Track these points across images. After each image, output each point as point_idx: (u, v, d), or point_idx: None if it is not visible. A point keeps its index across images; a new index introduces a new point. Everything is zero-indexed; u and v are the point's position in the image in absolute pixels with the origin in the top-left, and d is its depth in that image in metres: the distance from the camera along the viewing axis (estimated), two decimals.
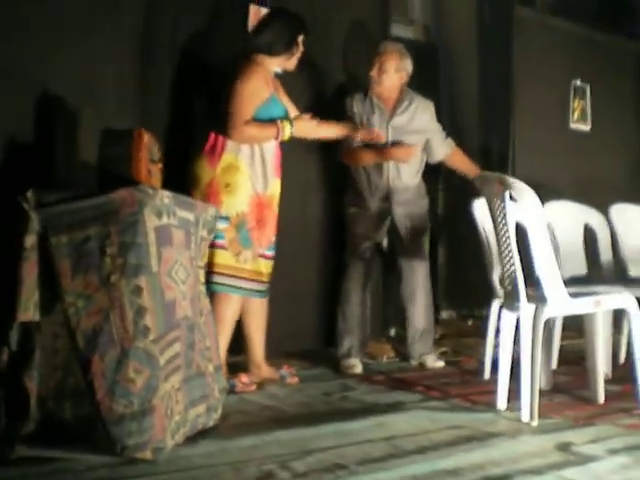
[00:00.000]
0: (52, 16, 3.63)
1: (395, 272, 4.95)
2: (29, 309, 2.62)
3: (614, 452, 2.81)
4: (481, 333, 6.06)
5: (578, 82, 6.20)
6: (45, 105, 3.45)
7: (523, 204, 3.27)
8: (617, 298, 3.33)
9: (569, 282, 3.50)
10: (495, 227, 3.51)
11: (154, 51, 4.25)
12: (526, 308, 3.30)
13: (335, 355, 4.74)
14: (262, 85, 3.94)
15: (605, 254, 4.97)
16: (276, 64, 4.09)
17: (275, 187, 4.07)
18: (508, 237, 3.36)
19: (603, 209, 4.93)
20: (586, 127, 6.28)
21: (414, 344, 4.76)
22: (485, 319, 4.57)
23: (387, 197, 4.63)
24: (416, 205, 4.72)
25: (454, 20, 8.29)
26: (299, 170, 4.74)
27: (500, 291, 4.40)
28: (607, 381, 3.87)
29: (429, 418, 3.37)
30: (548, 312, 3.27)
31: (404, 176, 4.64)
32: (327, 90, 5.03)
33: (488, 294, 4.34)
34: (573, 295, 3.30)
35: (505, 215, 3.32)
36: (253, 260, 3.96)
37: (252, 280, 4.00)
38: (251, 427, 3.18)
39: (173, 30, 4.35)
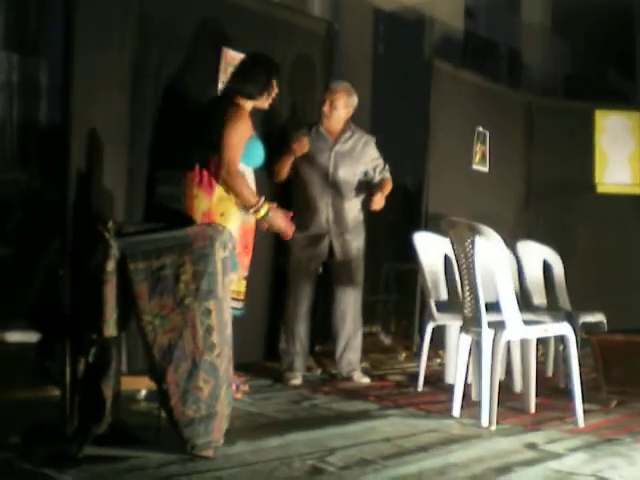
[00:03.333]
0: None
1: (327, 291, 5.52)
2: (110, 326, 3.02)
3: (572, 450, 3.51)
4: (377, 349, 6.80)
5: (480, 128, 7.00)
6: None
7: (489, 246, 3.94)
8: (560, 326, 4.06)
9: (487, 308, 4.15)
10: (458, 263, 4.17)
11: (142, 86, 4.63)
12: (487, 332, 3.97)
13: (270, 367, 5.26)
14: (247, 128, 4.36)
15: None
16: (253, 105, 4.54)
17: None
18: (473, 273, 4.01)
19: None
20: (485, 169, 7.09)
21: (342, 360, 5.29)
22: (421, 338, 5.25)
23: (327, 221, 5.18)
24: (354, 232, 5.28)
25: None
26: None
27: (437, 315, 5.10)
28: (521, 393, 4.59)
29: (404, 424, 3.97)
30: (507, 336, 3.96)
31: (345, 200, 5.19)
32: (273, 124, 5.50)
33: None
34: (525, 323, 4.00)
35: (473, 255, 3.98)
36: (238, 282, 4.42)
37: (233, 299, 4.46)
38: (262, 431, 3.66)
39: (158, 67, 4.75)
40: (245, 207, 4.24)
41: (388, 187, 5.28)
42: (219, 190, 4.25)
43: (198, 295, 3.06)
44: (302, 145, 5.05)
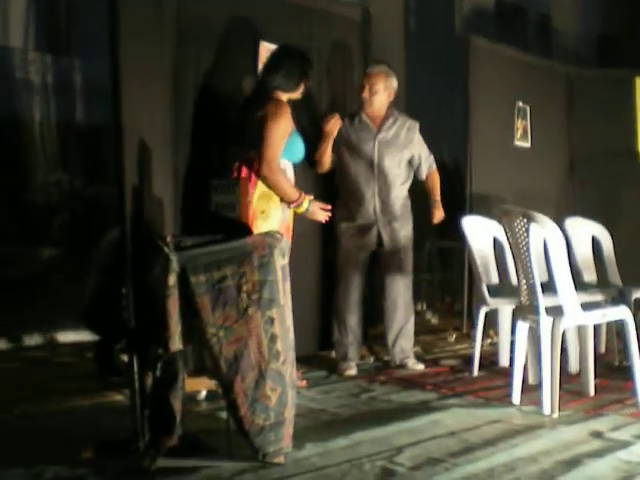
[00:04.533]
0: None
1: (375, 279, 5.52)
2: (176, 341, 3.05)
3: (639, 437, 3.49)
4: (425, 330, 6.79)
5: (520, 103, 6.92)
6: None
7: (545, 232, 3.91)
8: (618, 311, 4.04)
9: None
10: (513, 250, 4.15)
11: (182, 87, 4.62)
12: (545, 320, 3.95)
13: (323, 357, 5.31)
14: (289, 123, 4.38)
15: None
16: (289, 97, 4.54)
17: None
18: (529, 260, 3.99)
19: None
20: (527, 144, 7.01)
21: (395, 347, 5.29)
22: (474, 323, 5.24)
23: (375, 211, 5.17)
24: (402, 220, 5.24)
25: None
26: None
27: (490, 300, 5.09)
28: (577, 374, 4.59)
29: (467, 414, 3.98)
30: (565, 323, 3.94)
31: (391, 189, 5.16)
32: (314, 115, 5.47)
33: None
34: (584, 308, 3.97)
35: (528, 242, 3.95)
36: None
37: None
38: (327, 430, 3.68)
39: (197, 66, 4.74)
40: (287, 202, 4.29)
41: (438, 186, 5.34)
42: (260, 188, 4.25)
43: (261, 304, 3.09)
44: (335, 121, 4.99)
